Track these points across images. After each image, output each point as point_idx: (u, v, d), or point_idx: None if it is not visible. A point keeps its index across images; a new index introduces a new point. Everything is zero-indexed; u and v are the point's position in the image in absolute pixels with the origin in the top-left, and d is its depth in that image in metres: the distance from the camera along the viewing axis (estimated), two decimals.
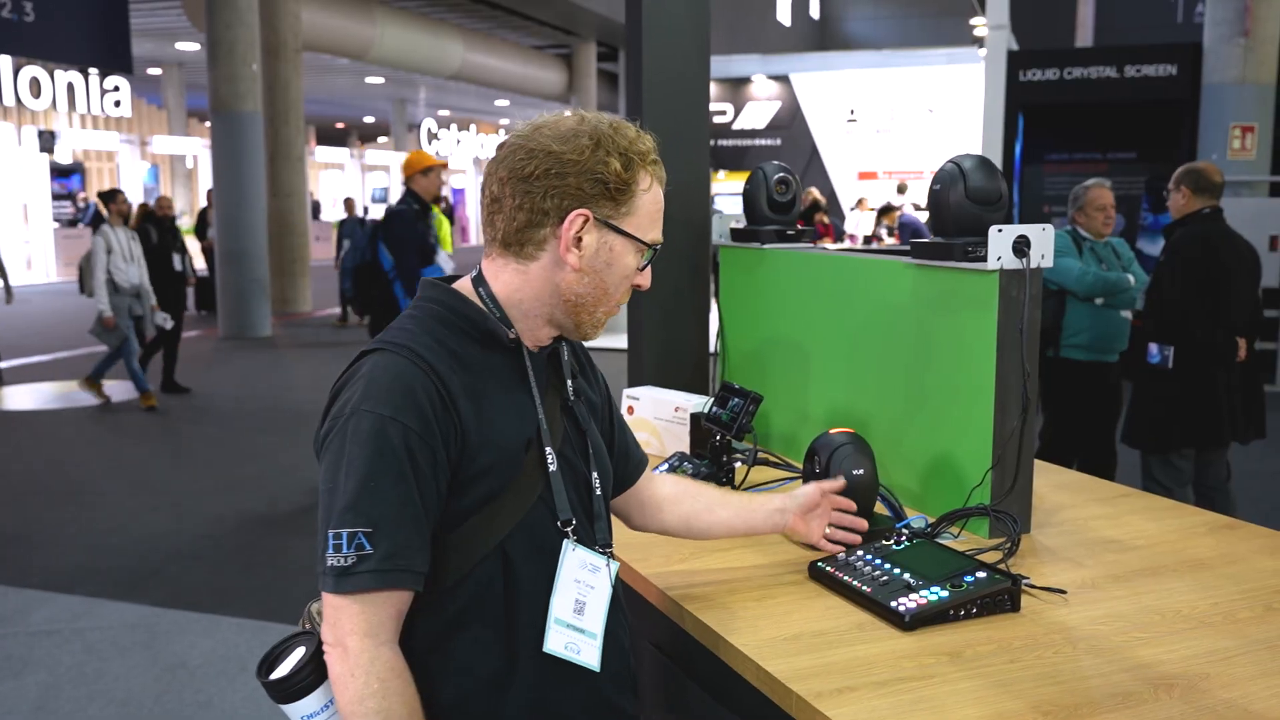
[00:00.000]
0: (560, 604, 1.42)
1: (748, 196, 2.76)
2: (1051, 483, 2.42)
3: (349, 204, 15.36)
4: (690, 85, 3.10)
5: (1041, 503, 2.23)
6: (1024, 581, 1.72)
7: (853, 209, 16.99)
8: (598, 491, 1.53)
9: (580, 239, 1.41)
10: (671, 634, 1.80)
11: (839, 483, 1.89)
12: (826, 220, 14.22)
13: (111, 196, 8.73)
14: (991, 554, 1.89)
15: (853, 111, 18.93)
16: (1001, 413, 2.00)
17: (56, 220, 22.00)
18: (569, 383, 1.53)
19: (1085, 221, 4.94)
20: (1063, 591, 1.74)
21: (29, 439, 7.83)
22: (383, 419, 1.31)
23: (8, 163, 19.94)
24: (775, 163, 2.76)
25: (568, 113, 1.46)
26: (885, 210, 14.85)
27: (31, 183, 21.47)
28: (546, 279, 1.44)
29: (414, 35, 19.89)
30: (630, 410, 2.71)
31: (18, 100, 20.28)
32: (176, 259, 9.31)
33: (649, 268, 1.49)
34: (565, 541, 1.44)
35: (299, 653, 1.36)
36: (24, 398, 9.30)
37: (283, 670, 1.35)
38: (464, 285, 1.49)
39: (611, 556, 1.51)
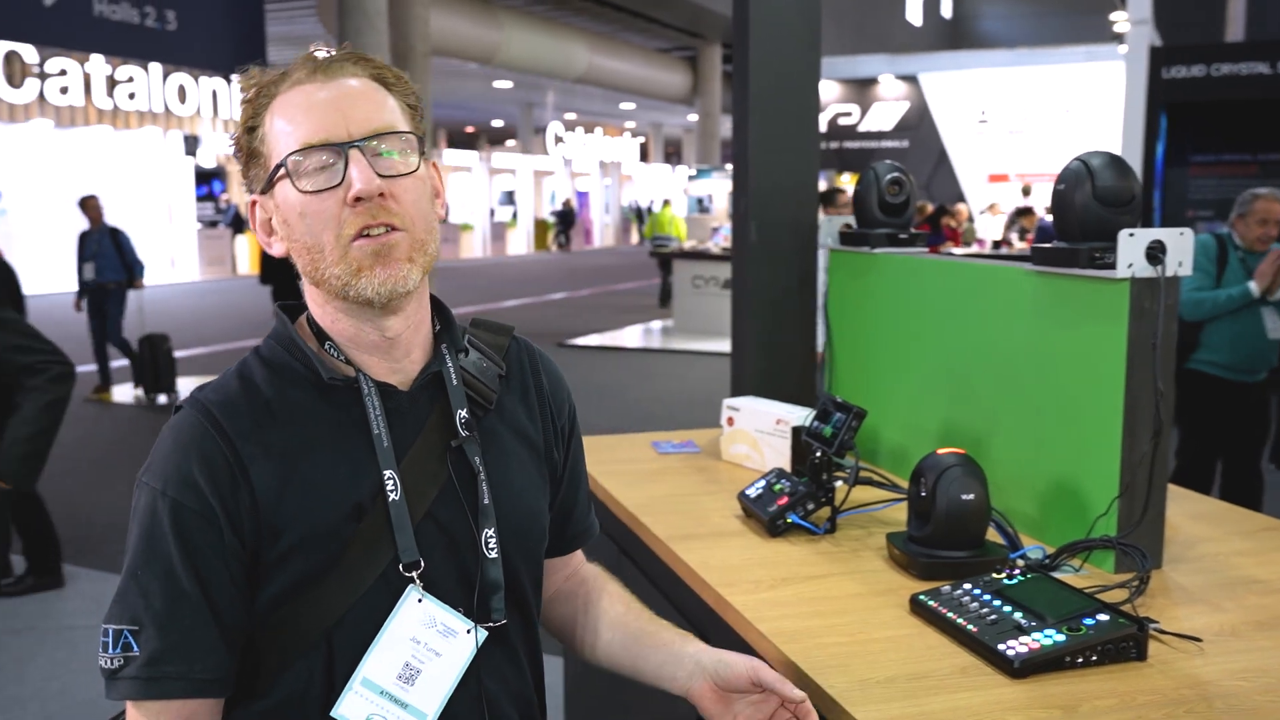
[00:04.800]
0: (379, 664, 1.12)
1: (858, 198, 2.61)
2: (1188, 511, 2.21)
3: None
4: (799, 85, 2.96)
5: (1176, 534, 2.03)
6: (1152, 626, 1.54)
7: (983, 212, 16.48)
8: (491, 554, 1.19)
9: (270, 222, 1.18)
10: None
11: (795, 693, 1.26)
12: (954, 224, 13.79)
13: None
14: (1116, 592, 1.71)
15: (984, 112, 18.37)
16: (1131, 436, 1.82)
17: (199, 221, 22.96)
18: (460, 414, 1.20)
19: (1243, 231, 4.57)
20: (1198, 639, 1.56)
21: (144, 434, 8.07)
22: (154, 494, 1.10)
23: (156, 166, 20.85)
24: (888, 162, 2.61)
25: None
26: (1024, 213, 14.33)
27: (176, 185, 22.39)
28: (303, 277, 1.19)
29: (540, 39, 20.10)
30: (730, 421, 2.59)
31: (165, 107, 21.20)
32: None
33: (351, 168, 1.11)
34: (410, 588, 1.14)
35: None
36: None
37: None
38: (305, 312, 1.23)
39: (491, 630, 1.19)
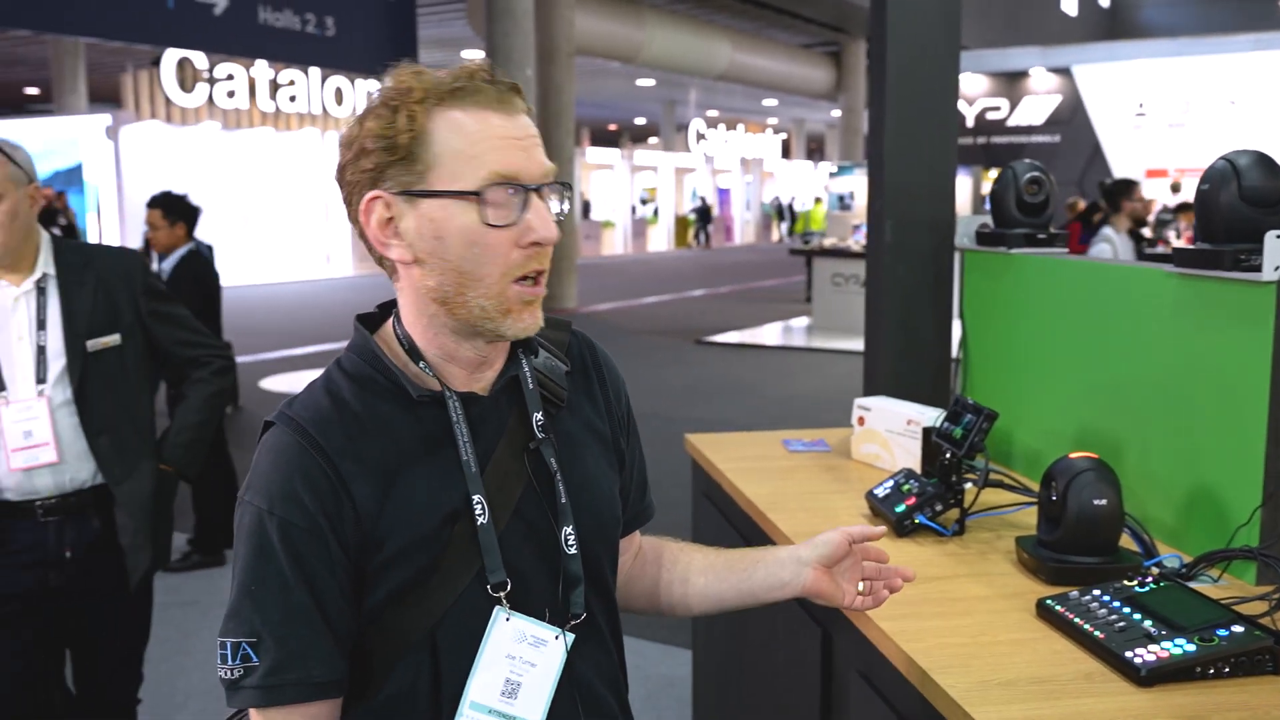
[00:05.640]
0: (482, 685, 1.18)
1: (995, 197, 2.58)
2: None
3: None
4: (937, 81, 2.94)
5: None
6: None
7: None
8: (571, 550, 1.23)
9: (394, 224, 1.16)
10: (879, 664, 1.69)
11: (877, 530, 1.39)
12: None
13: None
14: (1255, 604, 1.66)
15: (1142, 105, 17.63)
16: (1275, 443, 1.76)
17: None
18: (536, 417, 1.24)
19: None
20: None
21: None
22: (260, 513, 1.14)
23: (314, 165, 21.75)
24: (1027, 161, 2.57)
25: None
26: (1183, 209, 13.72)
27: (333, 184, 23.30)
28: (411, 288, 1.19)
29: (682, 36, 20.20)
30: (861, 421, 2.59)
31: (324, 109, 22.12)
32: None
33: (529, 211, 1.14)
34: (496, 609, 1.18)
35: None
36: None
37: None
38: (388, 324, 1.25)
39: (575, 629, 1.23)
